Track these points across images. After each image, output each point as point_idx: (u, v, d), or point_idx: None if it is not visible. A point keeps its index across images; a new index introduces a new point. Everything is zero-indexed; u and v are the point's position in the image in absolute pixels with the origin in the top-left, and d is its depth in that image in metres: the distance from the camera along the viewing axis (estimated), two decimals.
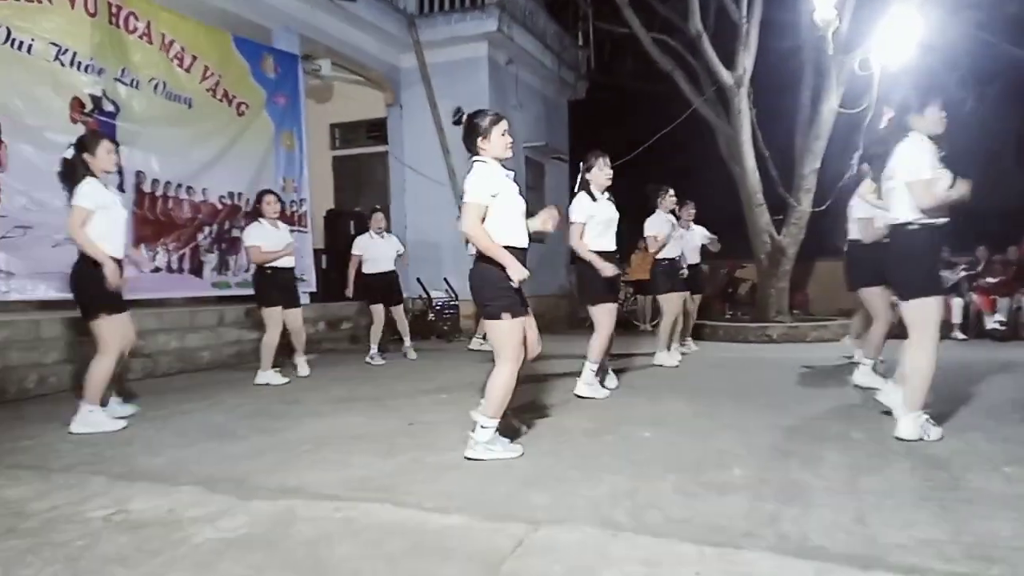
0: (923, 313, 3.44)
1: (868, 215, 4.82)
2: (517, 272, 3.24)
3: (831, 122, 9.50)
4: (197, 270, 7.68)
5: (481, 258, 3.34)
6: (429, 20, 11.02)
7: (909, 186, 3.39)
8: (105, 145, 4.16)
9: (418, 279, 10.10)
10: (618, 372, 5.60)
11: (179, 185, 7.46)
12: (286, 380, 5.88)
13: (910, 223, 3.44)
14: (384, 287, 7.45)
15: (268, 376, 5.87)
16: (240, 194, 8.10)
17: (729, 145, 10.40)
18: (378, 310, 7.45)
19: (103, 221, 4.06)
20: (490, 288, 3.31)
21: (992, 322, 8.70)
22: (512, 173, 3.42)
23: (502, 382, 3.28)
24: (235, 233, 8.01)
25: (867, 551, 2.10)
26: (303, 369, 6.29)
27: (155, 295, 7.28)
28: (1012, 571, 1.95)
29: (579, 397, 4.81)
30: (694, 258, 7.10)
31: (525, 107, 12.09)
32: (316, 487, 2.88)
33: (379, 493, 2.77)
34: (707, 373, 6.23)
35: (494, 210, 3.29)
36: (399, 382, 5.88)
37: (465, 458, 3.24)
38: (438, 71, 10.94)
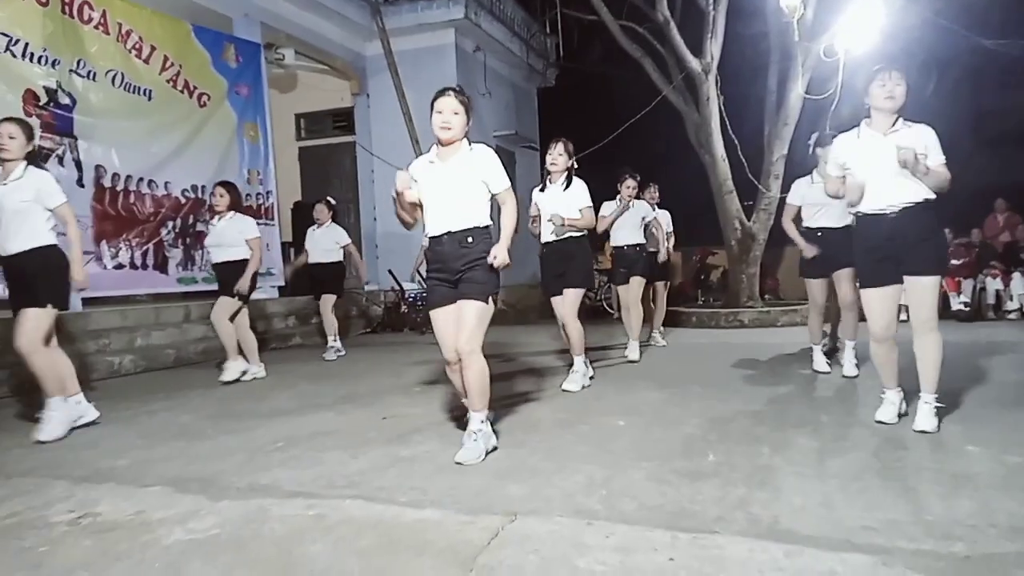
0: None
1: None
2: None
3: (798, 108, 9.61)
4: (161, 266, 7.53)
5: None
6: (394, 7, 10.87)
7: None
8: None
9: (389, 271, 10.03)
10: (593, 361, 5.58)
11: (140, 179, 7.29)
12: (229, 378, 5.58)
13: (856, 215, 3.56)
14: (317, 280, 7.36)
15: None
16: (203, 187, 7.94)
17: (698, 133, 10.45)
18: (320, 303, 7.35)
19: None
20: None
21: (957, 303, 8.92)
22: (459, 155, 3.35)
23: None
24: (200, 227, 7.86)
25: (834, 533, 2.13)
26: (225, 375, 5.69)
27: (118, 292, 7.13)
28: (972, 548, 2.00)
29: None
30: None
31: (494, 95, 12.03)
32: (287, 485, 2.84)
33: (351, 489, 2.74)
34: (679, 360, 6.29)
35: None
36: (371, 376, 5.83)
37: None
38: (405, 59, 10.80)
